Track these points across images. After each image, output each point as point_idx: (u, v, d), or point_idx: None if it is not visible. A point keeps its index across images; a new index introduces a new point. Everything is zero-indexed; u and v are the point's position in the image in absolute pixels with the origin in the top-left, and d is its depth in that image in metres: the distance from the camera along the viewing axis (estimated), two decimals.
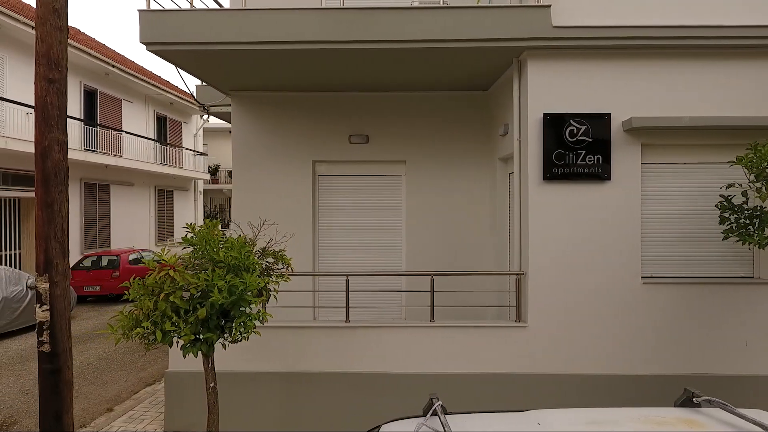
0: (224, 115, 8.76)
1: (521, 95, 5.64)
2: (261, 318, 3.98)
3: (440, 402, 2.66)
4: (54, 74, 4.01)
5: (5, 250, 13.73)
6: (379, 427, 2.85)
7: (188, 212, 22.68)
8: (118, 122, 17.19)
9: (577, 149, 5.35)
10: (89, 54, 14.68)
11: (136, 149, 17.72)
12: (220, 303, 3.69)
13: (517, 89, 5.68)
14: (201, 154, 23.09)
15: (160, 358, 8.51)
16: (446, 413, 2.54)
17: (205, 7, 5.39)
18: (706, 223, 5.39)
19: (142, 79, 17.46)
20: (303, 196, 7.22)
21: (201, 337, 3.88)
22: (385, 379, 5.52)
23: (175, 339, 3.91)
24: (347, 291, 5.58)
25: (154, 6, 5.43)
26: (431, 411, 2.59)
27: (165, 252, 3.99)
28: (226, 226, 27.66)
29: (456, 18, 5.19)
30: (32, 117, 12.78)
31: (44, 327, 4.05)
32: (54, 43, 4.01)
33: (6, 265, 13.38)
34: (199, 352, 3.89)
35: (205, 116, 23.59)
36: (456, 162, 7.19)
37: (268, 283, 4.14)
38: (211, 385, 4.09)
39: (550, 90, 5.39)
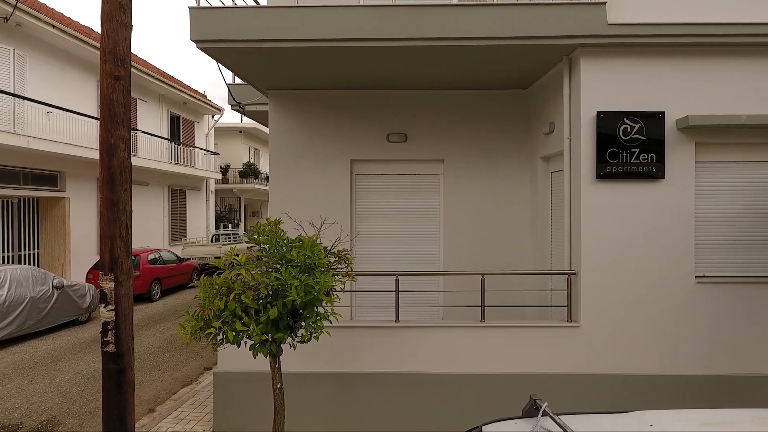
0: (259, 115, 8.70)
1: (572, 93, 5.60)
2: (329, 318, 3.93)
3: (546, 402, 2.62)
4: (120, 71, 3.97)
5: (24, 249, 13.68)
6: (478, 427, 2.81)
7: (200, 212, 22.63)
8: (133, 121, 17.13)
9: (631, 148, 5.30)
10: None
11: (152, 149, 17.67)
12: (294, 302, 3.65)
13: (567, 87, 5.63)
14: (213, 153, 23.04)
15: (192, 358, 8.48)
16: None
17: (255, 4, 5.34)
18: (760, 222, 5.34)
19: (158, 79, 17.41)
20: (340, 196, 7.18)
21: (271, 337, 3.83)
22: (435, 380, 5.48)
23: (243, 339, 3.86)
24: (397, 291, 5.53)
25: (204, 4, 5.39)
26: (541, 411, 2.55)
27: (233, 252, 3.92)
28: (236, 225, 27.63)
29: (511, 15, 5.15)
30: (52, 116, 12.78)
31: (109, 327, 4.01)
32: (120, 39, 3.96)
33: (24, 264, 13.33)
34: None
35: (217, 116, 23.59)
36: (494, 161, 7.14)
37: (335, 283, 4.09)
38: (278, 385, 4.05)
39: (603, 88, 5.34)
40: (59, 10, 15.15)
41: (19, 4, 11.24)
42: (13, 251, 13.26)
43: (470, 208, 7.14)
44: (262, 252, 3.98)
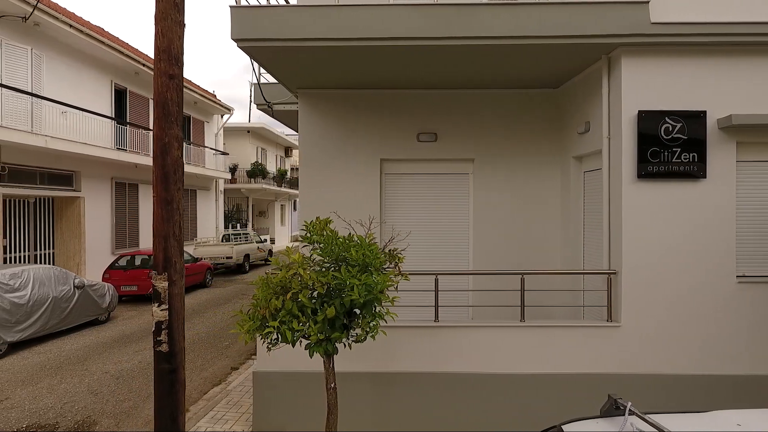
0: (284, 115, 8.68)
1: (611, 92, 5.59)
2: (385, 317, 3.92)
3: (630, 402, 2.61)
4: (174, 70, 3.96)
5: (40, 249, 13.68)
6: (557, 426, 2.79)
7: (209, 212, 22.62)
8: (146, 121, 17.13)
9: (672, 147, 5.29)
10: (121, 52, 14.62)
11: None
12: (353, 302, 3.64)
13: (607, 86, 5.62)
14: (223, 153, 23.03)
15: (217, 358, 8.47)
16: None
17: (297, 3, 5.32)
18: None
19: None
20: (370, 195, 7.16)
21: (326, 336, 3.81)
22: (476, 380, 5.46)
23: (299, 339, 3.85)
24: (436, 290, 5.52)
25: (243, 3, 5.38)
26: (627, 410, 2.53)
27: (291, 251, 3.90)
28: (244, 225, 27.61)
29: (554, 14, 5.13)
30: (68, 116, 12.77)
31: (162, 327, 3.99)
32: (174, 38, 3.95)
33: (40, 263, 13.33)
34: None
35: (226, 116, 23.58)
36: (524, 160, 7.12)
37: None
38: (332, 385, 4.03)
39: (644, 87, 5.33)
40: (70, 10, 15.11)
41: (39, 5, 11.22)
42: (28, 251, 13.25)
43: (500, 208, 7.13)
44: (316, 251, 3.96)
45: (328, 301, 3.80)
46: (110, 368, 7.85)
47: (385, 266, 4.22)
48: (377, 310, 3.81)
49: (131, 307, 12.63)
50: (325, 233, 3.95)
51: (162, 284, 3.98)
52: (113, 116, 15.32)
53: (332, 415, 4.05)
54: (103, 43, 13.75)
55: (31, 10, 11.30)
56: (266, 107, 8.18)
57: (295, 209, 37.73)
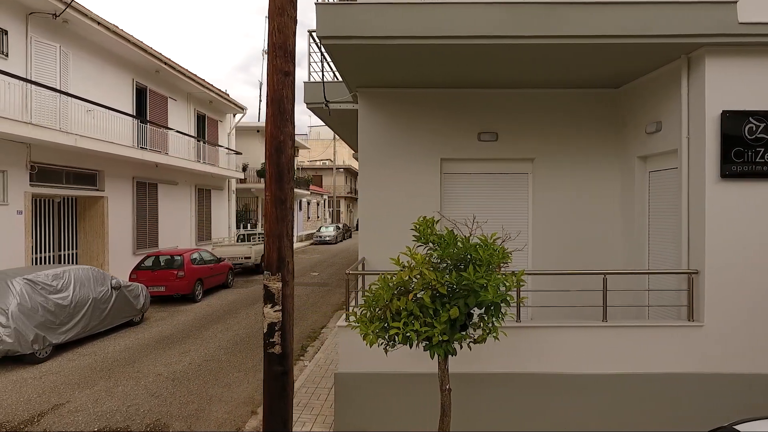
0: (335, 114, 8.59)
1: (691, 92, 5.59)
2: (504, 317, 3.88)
3: None
4: (290, 67, 3.90)
5: (64, 249, 13.49)
6: (729, 425, 2.77)
7: (223, 212, 22.45)
8: (164, 120, 16.97)
9: (756, 147, 5.30)
10: (145, 50, 14.46)
11: (181, 148, 17.49)
12: (481, 302, 3.60)
13: (686, 86, 5.62)
14: (236, 153, 22.87)
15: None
16: None
17: (384, 2, 5.25)
18: None
19: (190, 77, 17.25)
20: (430, 195, 7.12)
21: (449, 337, 3.76)
22: (560, 380, 5.44)
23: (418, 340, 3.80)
24: (518, 290, 5.47)
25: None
26: None
27: (413, 251, 3.85)
28: (254, 225, 27.44)
29: (641, 13, 5.12)
30: (94, 114, 12.59)
31: (275, 328, 3.93)
32: (290, 34, 3.89)
33: (64, 263, 13.14)
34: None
35: (239, 115, 23.41)
36: (583, 159, 7.11)
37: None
38: (447, 386, 3.98)
39: (728, 87, 5.33)
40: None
41: (72, 2, 11.06)
42: (53, 251, 13.06)
43: (559, 207, 7.11)
44: (436, 251, 3.91)
45: (449, 301, 3.76)
46: (161, 370, 7.74)
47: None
48: (503, 311, 3.77)
49: (160, 307, 12.48)
50: (444, 233, 3.89)
51: (276, 285, 3.91)
52: (134, 115, 15.14)
53: (447, 416, 4.01)
54: (128, 40, 13.58)
55: (62, 8, 11.12)
56: (321, 106, 8.08)
57: (300, 209, 37.60)
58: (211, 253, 15.30)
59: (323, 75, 7.77)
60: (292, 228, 4.01)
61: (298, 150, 35.76)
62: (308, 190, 35.14)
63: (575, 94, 7.10)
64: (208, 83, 19.12)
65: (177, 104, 18.06)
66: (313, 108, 8.54)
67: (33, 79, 10.98)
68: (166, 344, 9.20)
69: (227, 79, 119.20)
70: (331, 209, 50.09)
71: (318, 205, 45.10)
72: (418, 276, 3.70)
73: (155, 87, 16.50)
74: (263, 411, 4.08)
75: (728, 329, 5.34)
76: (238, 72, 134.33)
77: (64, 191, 12.73)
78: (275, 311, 3.91)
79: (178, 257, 13.34)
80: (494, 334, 3.83)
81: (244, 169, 25.78)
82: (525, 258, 7.25)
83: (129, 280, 12.54)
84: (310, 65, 8.41)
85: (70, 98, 11.88)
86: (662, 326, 5.51)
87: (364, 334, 3.69)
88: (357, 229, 52.83)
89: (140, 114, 15.76)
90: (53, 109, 11.52)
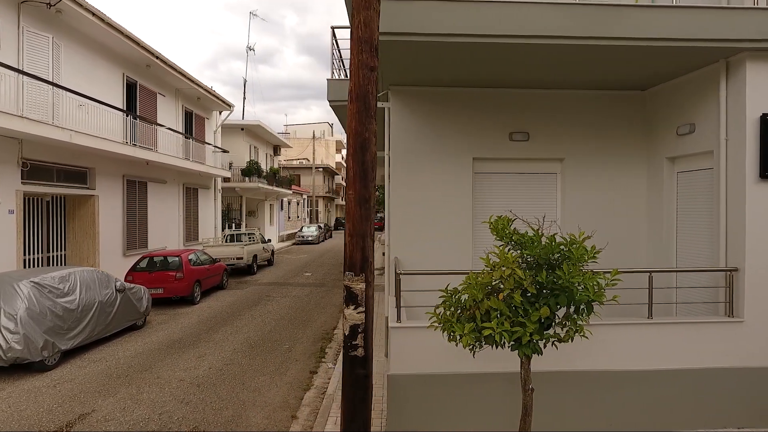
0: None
1: (729, 95, 5.76)
2: (588, 317, 3.89)
3: None
4: (375, 62, 3.81)
5: (53, 251, 12.85)
6: None
7: (209, 211, 21.89)
8: (154, 116, 16.40)
9: None
10: (138, 43, 13.93)
11: (171, 145, 16.94)
12: (577, 300, 3.60)
13: (724, 89, 5.79)
14: (223, 151, 22.33)
15: (286, 362, 8.20)
16: None
17: None
18: None
19: (180, 72, 16.72)
20: (462, 193, 7.12)
21: (538, 337, 3.74)
22: (605, 377, 5.51)
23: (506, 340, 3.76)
24: None
25: None
26: None
27: (502, 250, 3.81)
28: (238, 225, 26.87)
29: (689, 17, 5.26)
30: (84, 108, 12.04)
31: (359, 330, 3.83)
32: (375, 28, 3.80)
33: (53, 265, 12.53)
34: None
35: (225, 112, 22.87)
36: (611, 159, 7.25)
37: None
38: (530, 387, 3.97)
39: (767, 91, 5.52)
40: None
41: None
42: (42, 252, 12.43)
43: (587, 206, 7.21)
44: (524, 250, 3.88)
45: (538, 301, 3.74)
46: (182, 375, 7.45)
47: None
48: (595, 310, 3.77)
49: (159, 310, 12.04)
50: (530, 233, 3.88)
51: (359, 286, 3.81)
52: (126, 110, 14.57)
53: (529, 416, 3.99)
54: (121, 33, 13.05)
55: None
56: (346, 104, 7.94)
57: (281, 209, 37.06)
58: (207, 254, 14.88)
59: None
60: (373, 227, 3.92)
61: (279, 149, 35.26)
62: (290, 189, 34.66)
63: (603, 95, 7.23)
64: (197, 79, 18.60)
65: (166, 100, 17.49)
66: (337, 106, 8.40)
67: (25, 71, 10.39)
68: (178, 348, 8.88)
69: (195, 76, 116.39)
70: (309, 209, 49.60)
71: (298, 204, 44.59)
72: (508, 276, 3.67)
73: (145, 82, 15.94)
74: (342, 416, 3.97)
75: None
76: (205, 68, 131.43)
77: (55, 189, 12.12)
78: (358, 313, 3.81)
79: (176, 258, 12.91)
80: (581, 333, 3.83)
81: (229, 167, 25.22)
82: None
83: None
84: (333, 62, 8.28)
85: (63, 92, 11.32)
86: (704, 323, 5.66)
87: (459, 336, 3.63)
88: (335, 229, 52.57)
89: (130, 110, 15.17)
90: (46, 103, 10.94)
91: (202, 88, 18.98)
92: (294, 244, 34.78)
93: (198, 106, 20.34)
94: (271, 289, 15.57)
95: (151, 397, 6.61)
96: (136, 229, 15.47)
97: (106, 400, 6.50)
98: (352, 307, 3.81)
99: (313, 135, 50.26)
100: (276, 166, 34.02)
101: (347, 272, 3.85)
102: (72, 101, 11.71)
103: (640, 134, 7.27)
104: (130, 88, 15.30)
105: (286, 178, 33.58)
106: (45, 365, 7.56)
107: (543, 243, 3.83)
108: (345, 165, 4.14)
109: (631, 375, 5.52)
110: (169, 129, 16.76)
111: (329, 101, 8.29)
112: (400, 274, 5.47)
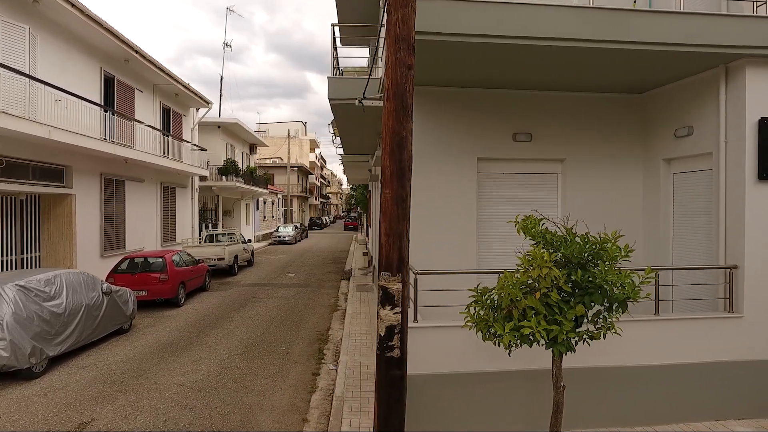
0: (353, 110, 8.39)
1: (728, 100, 6.00)
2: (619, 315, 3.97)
3: None
4: (412, 60, 3.79)
5: (27, 252, 12.23)
6: None
7: (186, 211, 21.31)
8: (131, 112, 15.84)
9: None
10: (117, 37, 13.42)
11: (148, 142, 16.39)
12: (614, 298, 3.67)
13: (724, 93, 6.02)
14: (201, 149, 21.78)
15: (286, 364, 8.06)
16: None
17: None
18: None
19: (159, 68, 16.20)
20: (466, 192, 7.15)
21: (573, 335, 3.80)
22: (612, 373, 5.65)
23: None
24: None
25: None
26: None
27: (539, 250, 3.84)
28: (214, 225, 26.26)
29: (692, 23, 5.47)
30: (61, 104, 11.53)
31: (395, 331, 3.81)
32: (412, 26, 3.77)
33: (27, 268, 11.93)
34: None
35: (203, 110, 22.31)
36: (609, 160, 7.44)
37: None
38: (561, 384, 4.02)
39: (766, 95, 5.77)
40: None
41: None
42: (15, 254, 11.82)
43: (586, 206, 7.35)
44: (559, 251, 3.92)
45: (572, 299, 3.80)
46: (181, 380, 7.22)
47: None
48: (627, 308, 3.85)
49: (143, 313, 11.63)
50: (565, 233, 3.92)
51: (396, 286, 3.78)
52: (101, 104, 14.00)
53: (560, 413, 4.05)
54: (101, 25, 12.54)
55: None
56: (345, 102, 7.87)
57: (257, 208, 36.45)
58: (191, 255, 14.47)
59: (371, 71, 7.53)
60: (409, 227, 3.88)
61: (255, 147, 34.67)
62: (267, 188, 34.12)
63: (602, 98, 7.41)
64: (176, 75, 18.07)
65: (143, 96, 16.91)
66: (337, 104, 8.30)
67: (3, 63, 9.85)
68: (171, 352, 8.60)
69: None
70: (284, 209, 48.97)
71: (273, 204, 43.95)
72: (545, 275, 3.70)
73: (123, 77, 15.37)
74: (375, 418, 3.93)
75: (766, 319, 5.78)
76: (170, 65, 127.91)
77: (31, 188, 11.52)
78: (395, 313, 3.78)
79: (159, 259, 12.50)
80: (614, 330, 3.91)
81: (207, 166, 24.61)
82: None
83: None
84: (333, 60, 8.19)
85: (40, 85, 10.78)
86: (705, 318, 5.88)
87: (500, 335, 3.64)
88: (310, 229, 52.10)
89: (108, 105, 14.60)
90: (22, 97, 10.39)
91: (180, 84, 18.45)
92: (270, 244, 34.26)
93: (176, 103, 19.77)
94: (255, 290, 15.28)
95: (151, 403, 6.38)
96: (113, 230, 14.91)
97: (104, 407, 6.23)
98: (389, 308, 3.77)
99: (288, 134, 49.66)
100: (252, 164, 33.44)
101: (383, 272, 3.81)
102: (49, 96, 11.18)
103: (638, 136, 7.48)
104: (108, 83, 14.72)
105: (262, 178, 33.04)
106: (32, 372, 7.19)
107: (577, 242, 3.88)
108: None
109: (639, 370, 5.68)
110: (148, 126, 16.22)
111: (329, 99, 8.18)
112: (418, 273, 5.45)
